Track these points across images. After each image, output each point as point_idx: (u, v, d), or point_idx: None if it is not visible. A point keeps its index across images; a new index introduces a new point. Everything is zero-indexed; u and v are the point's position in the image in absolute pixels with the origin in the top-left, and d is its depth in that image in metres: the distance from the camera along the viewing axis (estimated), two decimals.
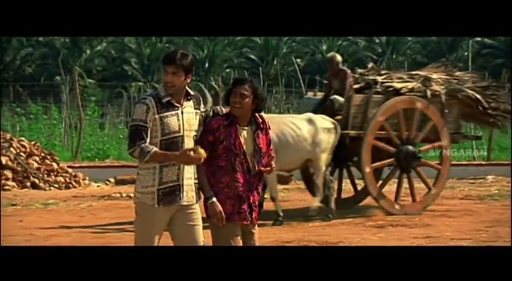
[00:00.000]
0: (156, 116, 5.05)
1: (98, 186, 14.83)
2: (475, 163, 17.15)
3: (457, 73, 12.08)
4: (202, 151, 5.05)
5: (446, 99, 11.35)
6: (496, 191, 14.03)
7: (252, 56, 58.62)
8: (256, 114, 5.42)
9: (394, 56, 60.58)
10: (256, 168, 5.32)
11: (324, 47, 60.46)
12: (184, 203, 5.13)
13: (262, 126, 5.38)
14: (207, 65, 56.40)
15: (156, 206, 5.07)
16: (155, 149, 5.02)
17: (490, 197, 13.12)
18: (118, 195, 13.96)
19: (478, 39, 60.89)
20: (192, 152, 5.01)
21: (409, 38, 62.89)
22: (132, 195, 13.53)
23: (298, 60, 61.12)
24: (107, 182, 15.48)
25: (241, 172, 5.27)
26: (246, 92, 5.28)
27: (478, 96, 11.40)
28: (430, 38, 61.91)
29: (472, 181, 15.83)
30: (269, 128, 5.43)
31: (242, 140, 5.29)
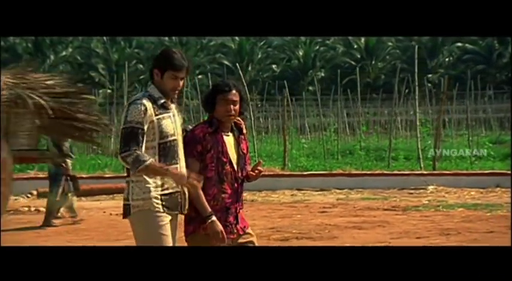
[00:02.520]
0: (154, 118, 4.82)
1: (16, 199, 14.66)
2: (416, 172, 17.25)
3: (36, 75, 10.53)
4: (195, 183, 4.92)
5: (10, 108, 9.84)
6: (426, 202, 14.12)
7: (226, 62, 58.56)
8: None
9: (373, 62, 60.98)
10: (240, 175, 5.16)
11: (301, 53, 60.71)
12: (183, 212, 4.98)
13: (243, 130, 5.25)
14: None
15: (162, 211, 4.84)
16: (152, 160, 4.78)
17: (415, 208, 13.21)
18: (26, 209, 13.89)
19: (459, 44, 61.28)
20: (190, 179, 4.86)
21: (389, 43, 63.29)
22: (41, 209, 13.49)
23: (274, 66, 61.57)
24: (29, 195, 15.35)
25: (228, 182, 5.09)
26: (236, 99, 5.09)
27: (43, 102, 9.82)
28: (410, 44, 62.24)
29: (412, 192, 15.97)
30: (247, 133, 5.32)
31: (228, 148, 5.13)
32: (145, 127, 4.78)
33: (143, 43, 59.91)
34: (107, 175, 16.58)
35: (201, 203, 4.99)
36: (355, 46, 62.07)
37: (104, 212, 12.76)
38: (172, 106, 4.99)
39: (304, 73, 59.35)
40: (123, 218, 4.93)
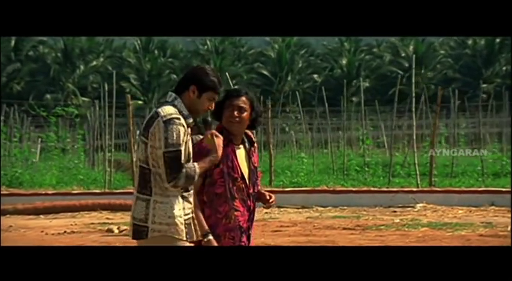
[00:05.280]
0: (185, 140, 4.69)
1: None
2: (405, 189, 16.98)
3: None
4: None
5: None
6: (398, 221, 13.89)
7: (264, 72, 58.69)
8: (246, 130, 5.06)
9: (422, 71, 60.29)
10: (252, 191, 4.98)
11: (344, 62, 60.37)
12: (195, 239, 4.81)
13: (254, 143, 5.09)
14: None
15: (185, 239, 4.67)
16: (197, 166, 4.67)
17: (377, 228, 13.01)
18: None
19: None
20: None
21: (441, 51, 62.64)
22: None
23: (315, 75, 61.37)
24: None
25: (240, 199, 4.91)
26: (244, 105, 4.93)
27: None
28: (463, 52, 61.56)
29: (396, 210, 15.67)
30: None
31: (239, 161, 4.97)
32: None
33: (178, 52, 60.38)
34: (74, 191, 16.77)
35: (198, 218, 4.82)
36: (403, 54, 61.54)
37: (42, 231, 12.88)
38: None
39: (348, 83, 59.00)
40: (134, 239, 4.71)
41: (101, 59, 57.97)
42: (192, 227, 4.73)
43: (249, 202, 4.96)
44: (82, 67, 57.10)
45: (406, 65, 60.74)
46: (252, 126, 5.03)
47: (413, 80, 19.02)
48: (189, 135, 4.72)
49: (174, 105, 4.68)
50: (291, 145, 37.01)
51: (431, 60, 61.68)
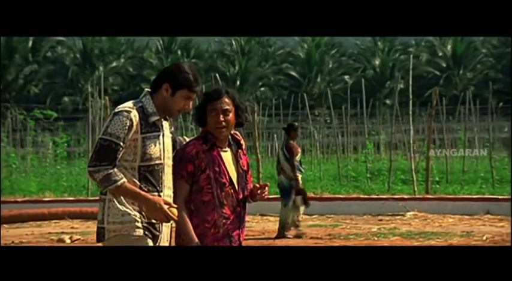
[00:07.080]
0: (139, 136, 4.58)
1: None
2: (396, 197, 16.70)
3: None
4: (175, 212, 4.63)
5: None
6: (375, 230, 13.64)
7: (292, 73, 58.54)
8: (232, 131, 4.94)
9: (461, 72, 59.53)
10: (242, 196, 4.86)
11: (377, 62, 59.88)
12: (165, 243, 4.72)
13: (242, 145, 4.98)
14: (238, 82, 56.68)
15: (143, 235, 4.60)
16: (125, 180, 4.54)
17: (345, 237, 12.79)
18: None
19: None
20: (166, 207, 4.60)
21: (482, 50, 61.81)
22: None
23: (346, 77, 60.99)
24: None
25: (229, 206, 4.81)
26: (227, 107, 4.80)
27: None
28: (505, 50, 60.70)
29: (382, 218, 15.39)
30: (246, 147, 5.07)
31: (227, 166, 4.86)
32: (126, 144, 4.56)
33: (202, 52, 60.44)
34: (46, 199, 16.73)
35: (185, 232, 4.73)
36: (440, 54, 60.91)
37: None
38: (165, 125, 4.76)
39: (381, 85, 58.64)
40: (97, 242, 4.70)
41: (122, 60, 58.23)
42: (155, 229, 4.64)
43: (238, 208, 4.83)
44: (101, 68, 57.41)
45: (444, 65, 60.14)
46: (238, 124, 4.91)
47: (410, 82, 18.77)
48: (148, 133, 4.61)
49: (140, 102, 4.65)
50: (313, 149, 36.87)
51: (471, 60, 60.88)
